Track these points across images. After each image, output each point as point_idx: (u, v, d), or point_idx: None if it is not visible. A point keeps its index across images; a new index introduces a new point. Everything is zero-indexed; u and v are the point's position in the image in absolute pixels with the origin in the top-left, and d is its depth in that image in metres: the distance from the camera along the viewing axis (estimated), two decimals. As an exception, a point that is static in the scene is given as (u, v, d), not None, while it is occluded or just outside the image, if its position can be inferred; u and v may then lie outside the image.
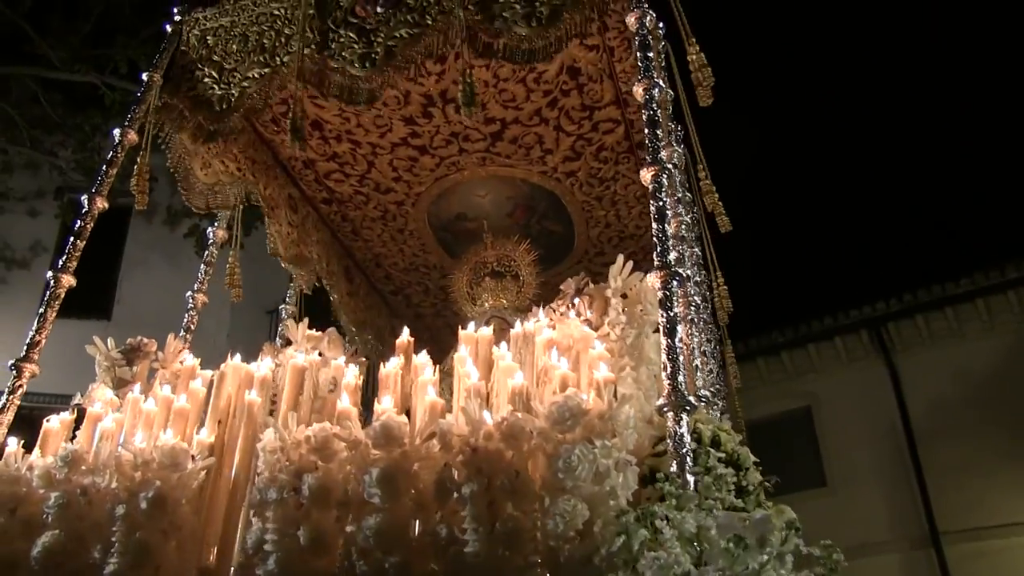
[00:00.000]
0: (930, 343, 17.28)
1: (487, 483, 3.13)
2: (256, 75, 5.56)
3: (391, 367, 4.00)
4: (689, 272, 5.21)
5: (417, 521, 3.31)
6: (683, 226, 5.18)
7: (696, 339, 4.89)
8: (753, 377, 18.18)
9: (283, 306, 7.25)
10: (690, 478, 3.28)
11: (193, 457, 3.83)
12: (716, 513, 3.03)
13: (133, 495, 3.68)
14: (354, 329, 7.84)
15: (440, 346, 6.48)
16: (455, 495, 3.20)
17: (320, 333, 5.10)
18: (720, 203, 5.82)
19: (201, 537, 3.87)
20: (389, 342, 8.08)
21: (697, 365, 4.76)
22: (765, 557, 2.85)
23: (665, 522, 2.83)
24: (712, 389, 5.32)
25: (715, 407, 5.28)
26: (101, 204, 5.45)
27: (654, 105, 4.48)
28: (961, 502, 15.36)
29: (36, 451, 4.34)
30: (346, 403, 3.83)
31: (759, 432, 17.58)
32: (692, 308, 4.94)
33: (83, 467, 3.91)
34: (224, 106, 5.63)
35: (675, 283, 3.87)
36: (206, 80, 5.74)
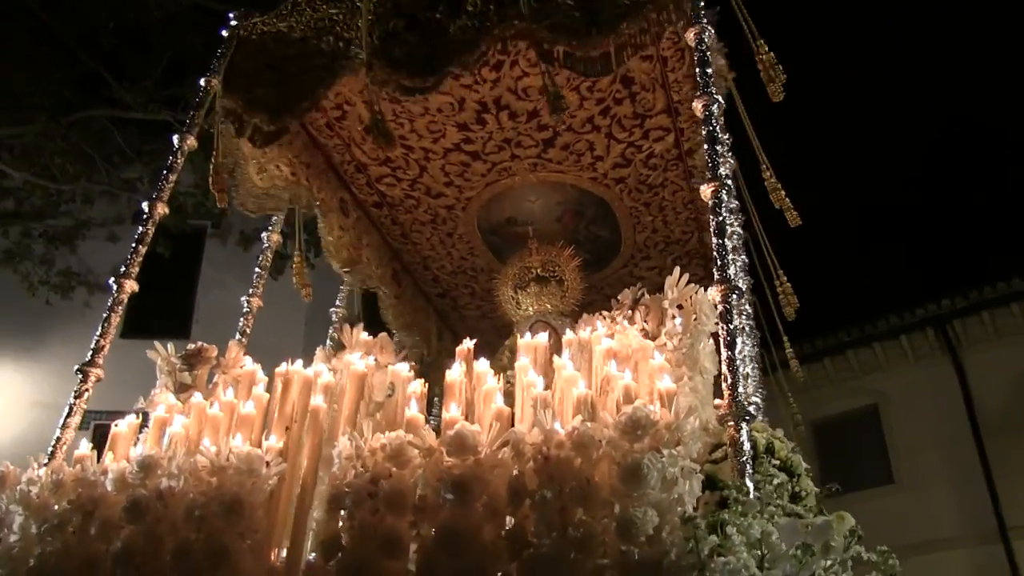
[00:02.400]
0: (996, 339, 17.41)
1: (559, 490, 3.24)
2: (314, 78, 5.64)
3: (455, 375, 4.11)
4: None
5: (490, 526, 3.43)
6: (735, 236, 5.28)
7: (748, 347, 4.99)
8: (820, 376, 18.66)
9: (333, 310, 7.36)
10: (749, 486, 3.38)
11: (268, 463, 3.96)
12: (778, 519, 3.14)
13: (210, 499, 3.81)
14: (399, 332, 7.94)
15: (486, 349, 6.58)
16: (527, 501, 3.32)
17: (372, 338, 5.20)
18: (787, 199, 5.86)
19: (272, 539, 4.00)
20: (435, 345, 8.23)
21: (747, 373, 4.86)
22: (829, 562, 2.95)
23: (734, 529, 2.94)
24: (758, 395, 5.40)
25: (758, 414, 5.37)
26: (162, 209, 5.53)
27: (713, 121, 4.54)
28: (1032, 498, 15.38)
29: (108, 455, 4.48)
30: (414, 410, 3.95)
31: (827, 431, 18.07)
32: (744, 317, 5.04)
33: (159, 471, 4.04)
34: (281, 108, 5.73)
35: (735, 297, 3.97)
36: (265, 83, 5.83)
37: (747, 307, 5.21)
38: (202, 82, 5.95)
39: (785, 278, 6.22)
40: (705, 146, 4.55)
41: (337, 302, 7.38)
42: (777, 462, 3.77)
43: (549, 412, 3.46)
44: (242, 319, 6.47)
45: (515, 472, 3.42)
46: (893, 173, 30.05)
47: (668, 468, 3.19)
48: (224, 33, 6.18)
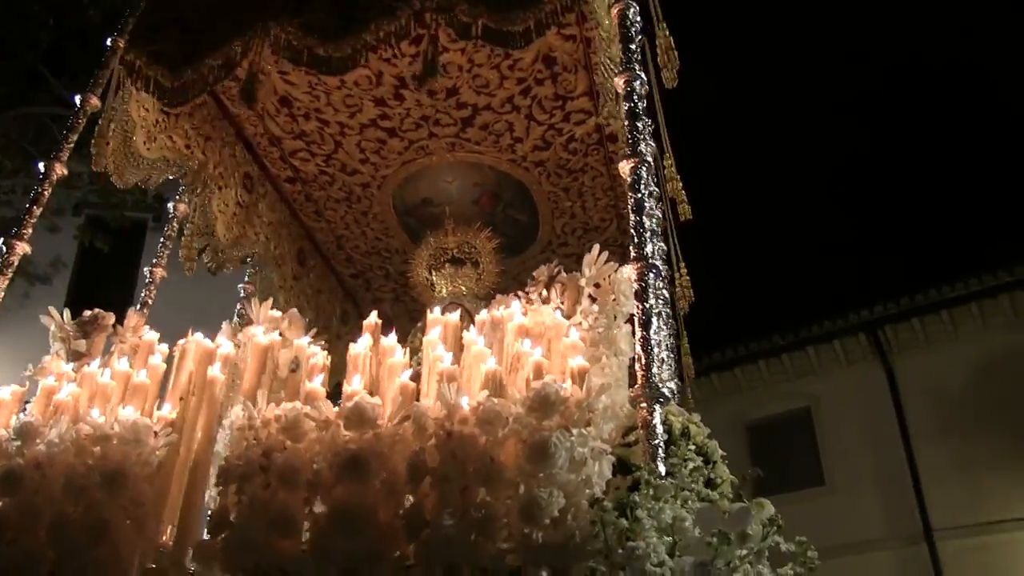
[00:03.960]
0: (926, 345, 17.90)
1: (461, 468, 3.09)
2: (222, 35, 5.37)
3: (361, 347, 3.93)
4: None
5: (387, 504, 3.26)
6: (654, 220, 5.15)
7: (663, 332, 4.87)
8: (755, 378, 19.17)
9: (241, 285, 7.11)
10: (661, 469, 3.25)
11: (155, 433, 3.74)
12: (693, 504, 3.01)
13: (92, 470, 3.59)
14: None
15: (399, 332, 6.40)
16: (427, 479, 3.16)
17: (280, 313, 5.00)
18: (683, 191, 5.82)
19: (159, 515, 3.79)
20: (335, 327, 7.99)
21: (663, 358, 4.74)
22: (744, 552, 2.82)
23: (644, 512, 2.80)
24: (675, 383, 5.31)
25: (674, 400, 5.27)
26: (60, 170, 5.48)
27: (635, 97, 4.42)
28: (955, 500, 15.98)
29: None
30: (316, 383, 3.77)
31: (760, 432, 18.50)
32: (660, 301, 4.92)
33: (38, 440, 3.80)
34: (184, 63, 5.46)
35: (651, 275, 3.86)
36: (169, 38, 5.57)
37: (664, 291, 5.10)
38: (108, 42, 5.71)
39: (685, 271, 6.15)
40: (625, 122, 4.43)
41: (246, 278, 7.12)
42: (693, 447, 3.63)
43: (454, 386, 3.30)
44: (144, 290, 6.24)
45: (416, 448, 3.26)
46: (830, 179, 30.52)
47: (577, 447, 3.06)
48: None
